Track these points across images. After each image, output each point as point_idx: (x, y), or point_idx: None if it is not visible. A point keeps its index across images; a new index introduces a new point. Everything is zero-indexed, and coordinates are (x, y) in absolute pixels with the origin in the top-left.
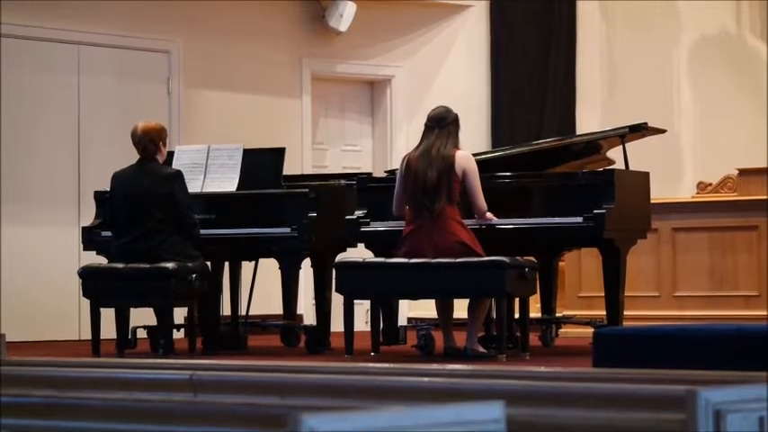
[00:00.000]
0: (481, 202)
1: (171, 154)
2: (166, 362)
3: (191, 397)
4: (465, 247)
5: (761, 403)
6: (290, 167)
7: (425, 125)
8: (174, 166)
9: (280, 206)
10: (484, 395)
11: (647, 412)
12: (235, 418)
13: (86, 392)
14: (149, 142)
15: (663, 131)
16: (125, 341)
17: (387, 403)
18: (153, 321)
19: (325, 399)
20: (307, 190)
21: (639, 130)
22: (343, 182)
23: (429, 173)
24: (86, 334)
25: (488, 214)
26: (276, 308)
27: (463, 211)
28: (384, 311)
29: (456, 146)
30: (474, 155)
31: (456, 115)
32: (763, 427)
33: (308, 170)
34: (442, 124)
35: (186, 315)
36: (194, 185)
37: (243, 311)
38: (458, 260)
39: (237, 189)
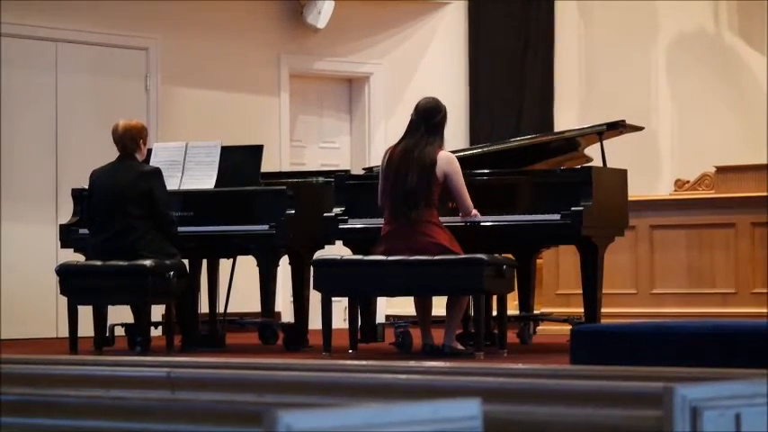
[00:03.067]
0: (467, 203)
1: (149, 151)
2: (144, 359)
3: (168, 394)
4: (443, 248)
5: (737, 400)
6: (268, 165)
7: (412, 117)
8: (151, 164)
9: (257, 203)
10: (461, 392)
11: (624, 409)
12: (212, 416)
13: (63, 390)
14: (130, 140)
15: (640, 129)
16: (103, 339)
17: (364, 401)
18: (131, 319)
19: (302, 396)
20: (285, 187)
21: (617, 128)
22: (321, 179)
23: (409, 177)
24: (64, 331)
25: (474, 211)
26: (254, 305)
27: (447, 210)
28: (362, 309)
29: (440, 146)
30: (452, 152)
31: (445, 111)
32: (740, 424)
33: (286, 167)
34: (430, 123)
35: (164, 313)
36: (172, 183)
37: (221, 309)
38: (435, 258)
39: (215, 186)
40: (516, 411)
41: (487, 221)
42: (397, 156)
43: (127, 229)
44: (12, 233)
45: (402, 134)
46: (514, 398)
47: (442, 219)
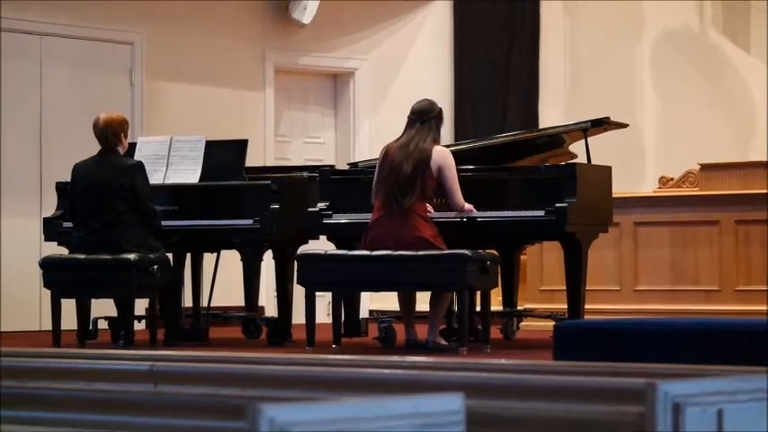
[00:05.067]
0: (458, 198)
1: (133, 145)
2: (127, 353)
3: (151, 388)
4: (426, 242)
5: (720, 396)
6: (253, 159)
7: (408, 118)
8: (136, 158)
9: (242, 198)
10: (444, 387)
11: (606, 405)
12: (195, 409)
13: (46, 383)
14: (111, 134)
15: (625, 126)
16: (86, 332)
17: (347, 395)
18: (114, 312)
19: (285, 390)
20: (269, 182)
21: (602, 125)
22: (305, 174)
23: (404, 166)
24: (47, 325)
25: (467, 206)
26: (238, 300)
27: (440, 205)
28: (346, 304)
29: (435, 140)
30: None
31: (440, 110)
32: (722, 421)
33: (271, 162)
34: (425, 118)
35: (147, 306)
36: (156, 177)
37: (204, 303)
38: (420, 253)
39: (200, 181)
40: (499, 406)
41: (472, 215)
42: (394, 150)
43: (110, 222)
44: None
45: (401, 134)
46: (497, 393)
47: (436, 214)
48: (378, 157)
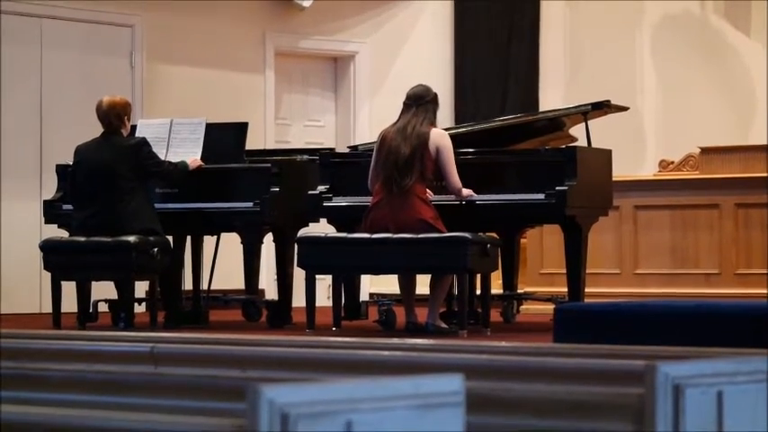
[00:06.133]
0: (454, 179)
1: (133, 128)
2: (127, 334)
3: (151, 369)
4: (426, 224)
5: (720, 378)
6: (253, 143)
7: (404, 103)
8: None
9: (242, 181)
10: (444, 369)
11: (606, 386)
12: (195, 390)
13: (46, 364)
14: (114, 117)
15: (625, 109)
16: (86, 315)
17: (347, 376)
18: (114, 295)
19: (285, 372)
20: (269, 165)
21: (602, 108)
22: (305, 157)
23: (402, 148)
24: (47, 307)
25: (465, 191)
26: (238, 282)
27: (439, 188)
28: (346, 287)
29: (432, 123)
30: None
31: (435, 94)
32: (722, 402)
33: (271, 145)
34: (421, 102)
35: (148, 289)
36: None
37: (204, 286)
38: (420, 236)
39: None
40: (499, 388)
41: (472, 199)
42: (392, 134)
43: (111, 205)
44: None
45: (396, 118)
46: (497, 374)
47: (436, 197)
48: (376, 141)
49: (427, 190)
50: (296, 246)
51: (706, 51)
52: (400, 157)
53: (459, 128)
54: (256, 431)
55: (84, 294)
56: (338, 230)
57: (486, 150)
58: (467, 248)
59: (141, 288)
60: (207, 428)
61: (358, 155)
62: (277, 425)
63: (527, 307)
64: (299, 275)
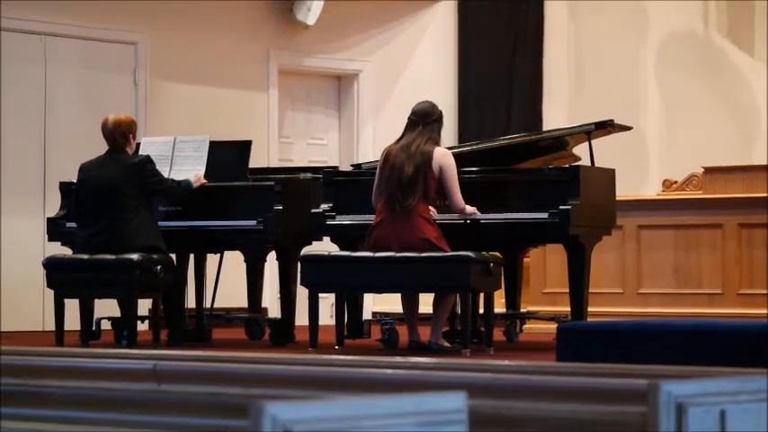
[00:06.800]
0: (458, 198)
1: (137, 145)
2: (130, 352)
3: (154, 386)
4: (430, 244)
5: (723, 397)
6: (257, 161)
7: (409, 119)
8: None
9: (245, 199)
10: (446, 387)
11: (609, 405)
12: (198, 407)
13: (49, 381)
14: (120, 135)
15: (629, 128)
16: (89, 332)
17: (349, 394)
18: (117, 313)
19: (287, 389)
20: (273, 183)
21: (605, 127)
22: (309, 175)
23: (406, 167)
24: (50, 325)
25: (468, 209)
26: (241, 301)
27: (443, 207)
28: (349, 305)
29: (436, 143)
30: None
31: (440, 112)
32: (725, 421)
33: (275, 164)
34: (427, 121)
35: (151, 307)
36: None
37: (207, 304)
38: (423, 254)
39: None
40: (501, 406)
41: (475, 218)
42: (395, 152)
43: (115, 222)
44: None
45: (400, 134)
46: (500, 393)
47: (439, 216)
48: (380, 157)
49: (431, 208)
50: (299, 264)
51: (709, 70)
52: (404, 175)
53: (462, 146)
54: None
55: (87, 312)
56: (341, 249)
57: (490, 169)
58: (470, 267)
59: (144, 306)
60: None
61: (361, 173)
62: None
63: (530, 326)
64: (302, 294)
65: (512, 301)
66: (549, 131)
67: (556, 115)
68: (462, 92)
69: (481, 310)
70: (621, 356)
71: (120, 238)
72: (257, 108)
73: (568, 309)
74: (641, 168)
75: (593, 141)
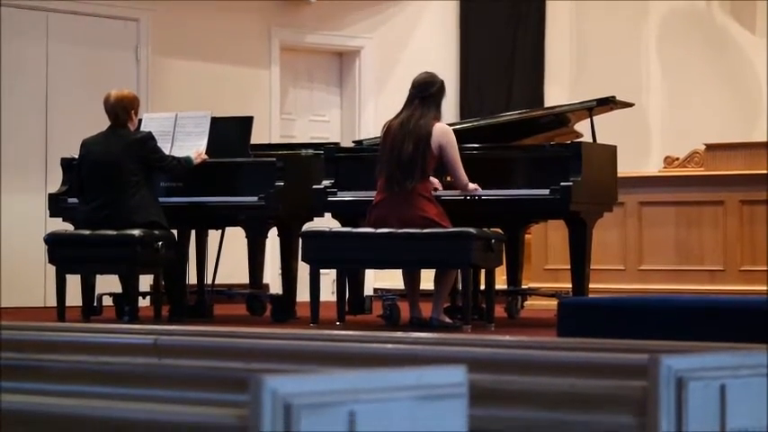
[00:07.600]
0: (461, 175)
1: (138, 122)
2: (131, 327)
3: (155, 360)
4: (431, 221)
5: (723, 371)
6: (258, 137)
7: (410, 91)
8: None
9: (247, 175)
10: (447, 361)
11: (609, 379)
12: (198, 381)
13: (51, 355)
14: (122, 110)
15: (631, 105)
16: (90, 308)
17: (350, 369)
18: (119, 288)
19: (288, 364)
20: (274, 159)
21: (607, 104)
22: (310, 151)
23: (405, 145)
24: (52, 301)
25: (471, 185)
26: (242, 277)
27: (447, 184)
28: (350, 281)
29: (436, 118)
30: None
31: (441, 83)
32: (724, 395)
33: (276, 140)
34: (425, 94)
35: (152, 283)
36: None
37: (209, 280)
38: (424, 231)
39: None
40: (502, 380)
41: (476, 194)
42: (395, 128)
43: (117, 198)
44: (1, 202)
45: (401, 107)
46: (501, 368)
47: (441, 192)
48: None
49: (435, 181)
50: (300, 240)
51: (711, 48)
52: (402, 154)
53: (464, 123)
54: (259, 422)
55: (88, 288)
56: (343, 225)
57: (491, 146)
58: (471, 243)
59: (145, 282)
60: (210, 419)
61: (363, 149)
62: (280, 415)
63: (531, 303)
64: (303, 270)
65: (513, 278)
66: (550, 108)
67: (557, 94)
68: (464, 69)
69: (482, 287)
70: (622, 333)
71: (122, 213)
72: (259, 84)
73: (570, 285)
74: (643, 145)
75: (594, 118)
